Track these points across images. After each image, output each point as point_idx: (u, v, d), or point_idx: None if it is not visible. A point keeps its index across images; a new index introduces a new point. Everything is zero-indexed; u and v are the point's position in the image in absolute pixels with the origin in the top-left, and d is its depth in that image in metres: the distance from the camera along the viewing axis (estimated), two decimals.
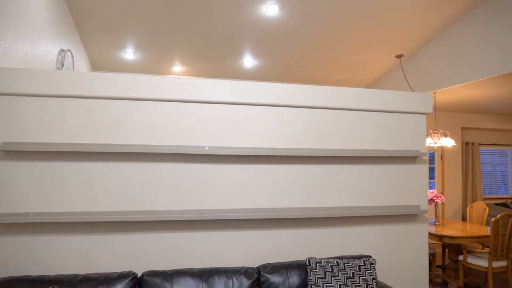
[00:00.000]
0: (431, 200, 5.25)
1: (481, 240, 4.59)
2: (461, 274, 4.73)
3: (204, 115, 2.74)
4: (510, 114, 7.87)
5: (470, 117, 7.78)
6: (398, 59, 5.88)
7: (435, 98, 5.71)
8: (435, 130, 5.38)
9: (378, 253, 3.06)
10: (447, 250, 5.01)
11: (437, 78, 5.26)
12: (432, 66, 5.35)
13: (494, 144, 8.42)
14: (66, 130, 2.53)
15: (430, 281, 5.10)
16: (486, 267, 4.44)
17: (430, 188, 7.56)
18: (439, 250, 6.86)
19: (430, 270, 5.38)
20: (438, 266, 5.63)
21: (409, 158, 3.17)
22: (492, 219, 4.34)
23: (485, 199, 8.26)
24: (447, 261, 5.06)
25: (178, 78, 2.68)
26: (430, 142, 5.29)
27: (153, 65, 5.94)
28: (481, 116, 7.87)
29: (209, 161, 2.74)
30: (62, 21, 4.06)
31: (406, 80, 5.84)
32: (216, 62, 5.86)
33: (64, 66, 3.95)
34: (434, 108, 5.76)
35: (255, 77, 6.44)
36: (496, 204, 7.41)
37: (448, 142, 5.31)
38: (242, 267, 2.59)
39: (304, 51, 5.52)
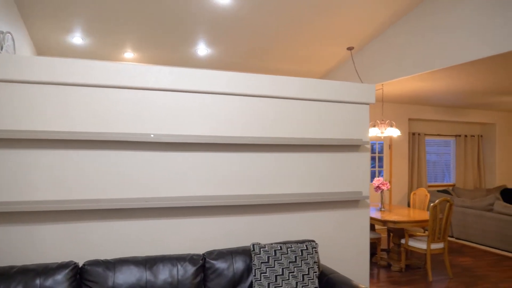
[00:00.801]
0: (378, 188, 5.50)
1: (422, 224, 4.87)
2: (403, 256, 5.01)
3: (150, 102, 2.71)
4: (453, 107, 8.33)
5: (416, 108, 8.16)
6: (349, 52, 6.05)
7: (382, 90, 5.94)
8: (382, 120, 5.61)
9: (322, 238, 3.18)
10: (391, 234, 5.28)
11: (385, 71, 5.47)
12: (381, 58, 5.56)
13: (438, 135, 8.90)
14: (3, 116, 2.41)
15: (375, 264, 5.36)
16: (425, 249, 4.72)
17: (379, 175, 7.90)
18: (384, 235, 7.20)
19: (375, 254, 5.66)
20: (383, 250, 5.92)
21: (352, 147, 3.30)
22: (431, 204, 4.62)
23: (429, 186, 8.74)
24: (391, 245, 5.33)
25: (123, 64, 2.62)
26: (377, 132, 5.52)
27: (103, 51, 5.75)
28: (427, 108, 8.27)
29: (155, 149, 2.72)
30: (1, 2, 3.83)
31: (357, 72, 6.02)
32: (169, 50, 5.76)
33: (3, 49, 3.74)
34: (382, 100, 6.00)
35: (209, 66, 6.40)
36: (438, 191, 7.86)
37: (394, 132, 5.55)
38: (188, 254, 2.61)
39: (259, 41, 5.55)
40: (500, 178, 9.07)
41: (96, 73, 2.56)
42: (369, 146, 3.35)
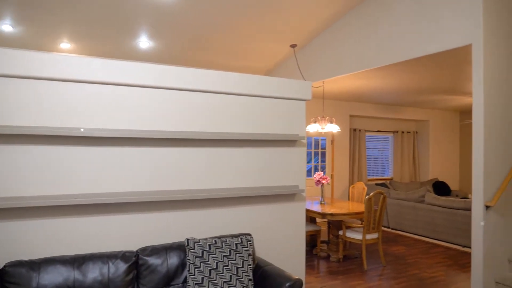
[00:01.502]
0: (318, 182, 5.68)
1: (358, 216, 5.10)
2: (341, 247, 5.22)
3: (81, 95, 2.60)
4: (391, 104, 8.78)
5: (357, 105, 8.50)
6: (292, 49, 6.17)
7: (323, 87, 6.14)
8: (323, 117, 5.80)
9: (259, 231, 3.24)
10: (331, 226, 5.49)
11: (326, 68, 5.65)
12: (322, 56, 5.72)
13: (378, 131, 9.34)
14: None
15: (316, 255, 5.55)
16: (361, 240, 4.96)
17: (322, 170, 8.16)
18: (325, 227, 7.46)
19: (315, 246, 5.85)
20: (323, 242, 6.14)
21: (289, 142, 3.38)
22: (366, 197, 4.85)
23: (369, 180, 9.16)
24: (331, 236, 5.54)
25: (52, 55, 2.50)
26: (318, 127, 5.70)
27: (37, 41, 5.43)
28: (367, 105, 8.64)
29: (86, 144, 2.62)
30: None
31: (299, 69, 6.16)
32: (109, 41, 5.56)
33: None
34: (323, 96, 6.20)
35: (151, 59, 6.26)
36: (376, 184, 8.26)
37: (334, 128, 5.76)
38: (120, 251, 2.56)
39: (203, 35, 5.50)
40: (433, 171, 9.69)
41: (25, 64, 2.42)
42: (305, 141, 3.46)
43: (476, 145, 3.55)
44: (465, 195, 8.93)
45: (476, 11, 3.59)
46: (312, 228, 5.46)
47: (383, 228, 7.42)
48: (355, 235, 5.03)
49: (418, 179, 9.75)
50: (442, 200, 6.26)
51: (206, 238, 2.71)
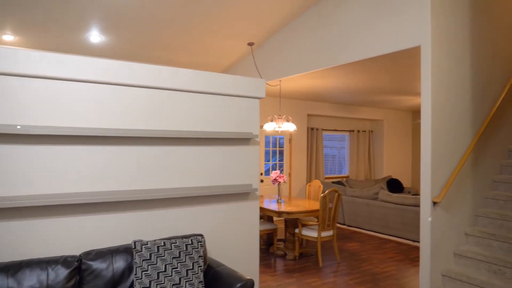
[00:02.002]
0: (275, 180, 5.68)
1: (314, 213, 5.15)
2: (297, 245, 5.25)
3: (17, 90, 2.42)
4: (347, 104, 8.97)
5: (315, 105, 8.61)
6: (250, 47, 6.14)
7: (280, 86, 6.15)
8: (280, 115, 5.81)
9: (212, 231, 3.17)
10: (288, 224, 5.50)
11: (284, 67, 5.66)
12: (279, 55, 5.73)
13: (335, 130, 9.51)
14: None
15: (272, 253, 5.55)
16: (317, 237, 5.01)
17: (280, 169, 8.20)
18: (282, 226, 7.50)
19: (272, 244, 5.86)
20: (279, 240, 6.16)
21: (243, 140, 3.33)
22: (321, 195, 4.90)
23: (326, 178, 9.32)
24: (287, 234, 5.56)
25: None
26: (274, 126, 5.70)
27: None
28: (324, 104, 8.78)
29: (24, 142, 2.45)
30: None
31: (256, 67, 6.14)
32: (57, 34, 5.28)
33: None
34: (280, 95, 6.22)
35: (104, 55, 6.02)
36: (333, 182, 8.42)
37: (290, 127, 5.78)
38: (61, 256, 2.41)
39: (159, 31, 5.35)
40: (387, 169, 10.01)
41: None
42: (259, 139, 3.42)
43: (424, 144, 3.67)
44: (417, 192, 9.30)
45: (424, 14, 3.71)
46: (269, 226, 5.46)
47: (339, 225, 7.56)
48: (310, 233, 5.08)
49: (373, 177, 10.03)
50: (395, 197, 6.46)
51: (155, 240, 2.61)
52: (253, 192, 3.36)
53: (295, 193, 8.30)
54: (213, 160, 3.16)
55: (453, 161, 3.87)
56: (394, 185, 9.26)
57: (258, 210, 3.42)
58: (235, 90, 3.26)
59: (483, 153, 4.31)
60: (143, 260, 2.46)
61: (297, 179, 8.35)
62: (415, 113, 10.61)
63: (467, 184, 4.07)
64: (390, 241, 6.40)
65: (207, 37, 5.68)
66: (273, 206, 5.35)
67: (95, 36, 5.43)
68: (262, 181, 7.80)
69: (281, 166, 8.19)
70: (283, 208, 5.19)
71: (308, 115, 8.75)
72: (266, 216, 5.99)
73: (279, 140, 8.16)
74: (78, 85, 2.60)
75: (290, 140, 8.21)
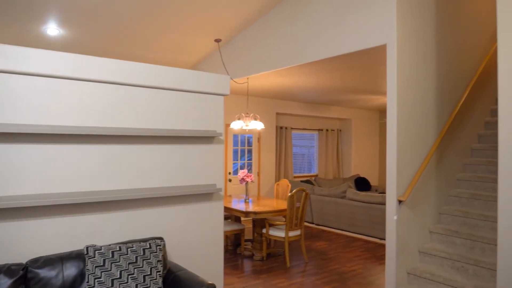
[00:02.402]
0: (242, 180, 5.58)
1: (282, 213, 5.09)
2: (264, 245, 5.17)
3: None
4: (316, 103, 8.98)
5: (283, 103, 8.57)
6: (217, 43, 6.00)
7: (248, 83, 6.05)
8: (247, 114, 5.72)
9: (174, 234, 3.03)
10: (256, 224, 5.42)
11: (251, 64, 5.56)
12: (247, 52, 5.63)
13: (304, 129, 9.51)
14: None
15: (240, 254, 5.45)
16: (284, 237, 4.94)
17: (248, 167, 8.10)
18: (249, 226, 7.41)
19: (239, 245, 5.76)
20: (247, 240, 6.06)
21: (206, 138, 3.21)
22: (288, 194, 4.84)
23: (295, 177, 9.31)
24: (255, 235, 5.48)
25: None
26: (242, 124, 5.60)
27: None
28: (293, 103, 8.75)
29: None
30: None
31: (224, 64, 6.02)
32: (10, 26, 4.96)
33: None
34: (247, 93, 6.12)
35: (63, 48, 5.72)
36: (302, 181, 8.41)
37: (258, 125, 5.70)
38: (5, 265, 2.21)
39: (124, 26, 5.12)
40: (355, 168, 10.12)
41: None
42: (223, 138, 3.31)
43: (389, 143, 3.66)
44: (384, 190, 9.43)
45: (390, 12, 3.70)
46: (236, 227, 5.35)
47: (307, 224, 7.55)
48: (278, 233, 5.01)
49: (341, 176, 10.11)
50: (362, 195, 6.49)
51: (110, 245, 2.45)
52: (217, 192, 3.25)
53: (264, 192, 8.24)
54: (174, 159, 3.02)
55: (418, 160, 3.89)
56: (361, 184, 9.37)
57: (222, 211, 3.31)
58: (198, 87, 3.13)
59: (447, 151, 4.37)
60: (96, 266, 2.30)
61: (266, 178, 8.29)
62: (382, 112, 10.78)
63: (431, 182, 4.11)
64: (358, 239, 6.43)
65: (174, 33, 5.50)
66: (240, 206, 5.25)
67: (52, 29, 5.14)
68: (230, 180, 7.68)
69: (250, 165, 8.10)
70: (250, 208, 5.10)
71: (277, 113, 8.71)
72: (233, 216, 5.88)
73: (247, 139, 8.06)
74: (31, 79, 2.40)
75: (258, 139, 8.13)
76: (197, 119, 3.15)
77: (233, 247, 5.77)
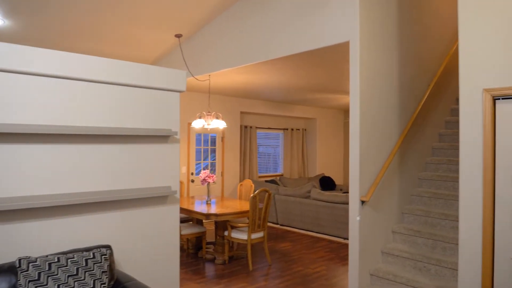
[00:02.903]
0: (204, 180, 5.38)
1: (244, 214, 4.93)
2: (226, 248, 5.00)
3: None
4: (281, 102, 8.90)
5: (248, 102, 8.42)
6: (177, 39, 5.77)
7: (209, 81, 5.85)
8: (209, 112, 5.52)
9: (124, 241, 2.80)
10: (218, 227, 5.23)
11: (213, 61, 5.37)
12: (209, 48, 5.43)
13: (269, 128, 9.40)
14: None
15: (201, 258, 5.25)
16: (247, 240, 4.79)
17: (212, 168, 7.89)
18: (212, 228, 7.23)
19: (201, 248, 5.56)
20: (209, 243, 5.87)
21: (161, 137, 3.00)
22: (251, 195, 4.69)
23: (260, 177, 9.18)
24: (218, 237, 5.29)
25: None
26: (203, 123, 5.39)
27: None
28: (258, 102, 8.62)
29: None
30: None
31: (184, 61, 5.79)
32: None
33: None
34: (209, 91, 5.92)
35: (9, 40, 5.31)
36: (266, 181, 8.29)
37: (220, 124, 5.51)
38: None
39: (79, 18, 4.79)
40: (319, 167, 10.12)
41: None
42: (178, 137, 3.10)
43: (352, 143, 3.58)
44: (348, 189, 9.47)
45: (353, 9, 3.62)
46: (197, 230, 5.15)
47: (272, 225, 7.43)
48: (240, 235, 4.85)
49: (306, 175, 10.09)
50: (326, 195, 6.45)
51: (47, 256, 2.20)
52: (172, 195, 3.04)
53: (228, 193, 8.05)
54: (125, 160, 2.79)
55: (380, 160, 3.84)
56: (326, 183, 9.37)
57: (178, 215, 3.10)
58: (151, 82, 2.91)
59: (409, 150, 4.35)
60: (29, 281, 2.05)
61: (230, 179, 8.11)
62: (347, 111, 10.85)
63: (394, 181, 4.07)
64: (322, 239, 6.38)
65: (132, 26, 5.22)
66: (201, 208, 5.05)
67: None
68: (193, 181, 7.44)
69: (213, 166, 7.89)
70: (212, 210, 4.91)
71: (242, 112, 8.55)
72: (195, 218, 5.67)
73: (211, 138, 7.85)
74: None
75: (222, 139, 7.93)
76: (150, 117, 2.93)
77: (195, 250, 5.56)
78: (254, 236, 4.83)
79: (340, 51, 4.29)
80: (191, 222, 5.66)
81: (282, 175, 9.75)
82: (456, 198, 3.97)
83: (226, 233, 5.00)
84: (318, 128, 10.04)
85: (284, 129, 9.72)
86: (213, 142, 7.89)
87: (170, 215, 3.05)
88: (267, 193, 4.85)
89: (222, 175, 7.91)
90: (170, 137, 3.05)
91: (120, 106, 2.76)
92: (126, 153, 2.80)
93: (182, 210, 5.14)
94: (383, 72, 3.88)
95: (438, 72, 4.81)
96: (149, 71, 2.89)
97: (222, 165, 7.92)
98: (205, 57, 5.50)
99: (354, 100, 3.57)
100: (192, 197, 6.11)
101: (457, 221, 3.76)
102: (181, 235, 4.99)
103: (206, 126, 5.50)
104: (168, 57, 6.30)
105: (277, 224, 7.42)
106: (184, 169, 7.22)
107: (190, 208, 5.08)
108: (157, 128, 2.95)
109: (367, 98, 3.64)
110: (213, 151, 7.89)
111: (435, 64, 4.90)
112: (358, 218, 3.54)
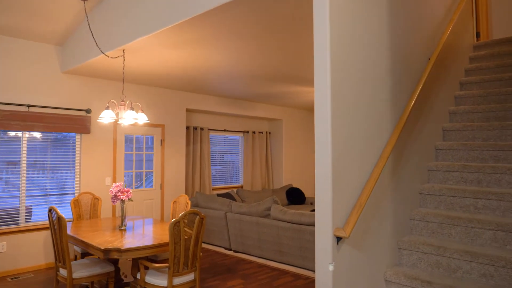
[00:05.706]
0: (115, 198, 3.78)
1: (165, 248, 3.36)
2: None
3: None
4: (239, 99, 7.39)
5: (196, 97, 6.85)
6: (82, 2, 4.17)
7: (124, 57, 4.24)
8: (123, 101, 3.92)
9: None
10: (132, 264, 3.63)
11: (127, 29, 3.80)
12: (123, 12, 3.86)
13: (225, 130, 7.86)
14: None
15: None
16: (166, 287, 3.20)
17: (148, 180, 6.25)
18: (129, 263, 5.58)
19: None
20: (125, 284, 4.20)
21: None
22: (172, 220, 3.11)
23: (214, 189, 7.60)
24: (133, 279, 3.71)
25: None
26: (112, 115, 3.79)
27: None
28: (208, 97, 7.07)
29: None
30: None
31: (91, 31, 4.20)
32: None
33: None
34: (123, 72, 4.33)
35: None
36: (219, 195, 6.72)
37: (139, 118, 3.93)
38: None
39: None
40: (287, 176, 8.65)
41: None
42: None
43: (320, 147, 2.09)
44: None
45: None
46: (99, 270, 3.52)
47: (224, 251, 5.84)
48: (158, 280, 3.25)
49: (271, 186, 8.59)
50: (290, 214, 4.94)
51: None
52: None
53: (169, 212, 6.42)
54: None
55: (365, 170, 2.37)
56: (294, 195, 7.91)
57: None
58: None
59: (406, 155, 2.90)
60: None
61: (173, 192, 6.47)
62: None
63: (386, 200, 2.60)
64: (286, 272, 4.85)
65: None
66: (102, 239, 3.43)
67: None
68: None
69: (150, 176, 6.24)
70: (118, 241, 3.30)
71: (188, 110, 6.96)
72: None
73: (146, 141, 6.22)
74: None
75: (162, 142, 6.31)
76: None
77: None
78: (179, 281, 3.24)
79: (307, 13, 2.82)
80: (99, 258, 4.03)
81: (241, 186, 8.19)
82: (484, 224, 2.53)
83: (139, 275, 3.39)
84: (284, 130, 8.58)
85: (244, 131, 8.20)
86: (148, 147, 6.24)
87: None
88: (198, 217, 3.28)
89: (161, 187, 6.27)
90: None
91: None
92: None
93: (76, 240, 3.52)
94: (368, 36, 2.43)
95: (439, 44, 3.41)
96: None
97: (161, 175, 6.29)
98: (118, 27, 3.93)
99: (322, 86, 2.08)
100: (119, 217, 4.48)
101: (490, 263, 2.31)
102: (72, 280, 3.35)
103: (120, 121, 3.90)
104: (78, 28, 4.69)
105: (230, 249, 5.84)
106: (108, 181, 5.56)
107: (87, 238, 3.45)
108: None
109: (342, 78, 2.16)
110: (148, 157, 6.24)
111: (436, 33, 3.52)
112: (331, 267, 2.04)
